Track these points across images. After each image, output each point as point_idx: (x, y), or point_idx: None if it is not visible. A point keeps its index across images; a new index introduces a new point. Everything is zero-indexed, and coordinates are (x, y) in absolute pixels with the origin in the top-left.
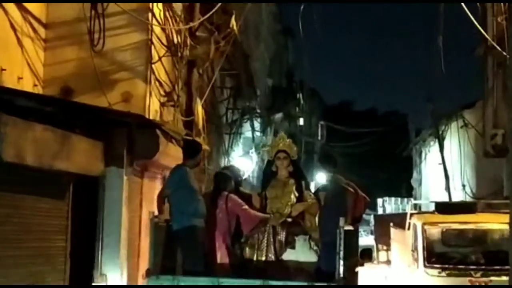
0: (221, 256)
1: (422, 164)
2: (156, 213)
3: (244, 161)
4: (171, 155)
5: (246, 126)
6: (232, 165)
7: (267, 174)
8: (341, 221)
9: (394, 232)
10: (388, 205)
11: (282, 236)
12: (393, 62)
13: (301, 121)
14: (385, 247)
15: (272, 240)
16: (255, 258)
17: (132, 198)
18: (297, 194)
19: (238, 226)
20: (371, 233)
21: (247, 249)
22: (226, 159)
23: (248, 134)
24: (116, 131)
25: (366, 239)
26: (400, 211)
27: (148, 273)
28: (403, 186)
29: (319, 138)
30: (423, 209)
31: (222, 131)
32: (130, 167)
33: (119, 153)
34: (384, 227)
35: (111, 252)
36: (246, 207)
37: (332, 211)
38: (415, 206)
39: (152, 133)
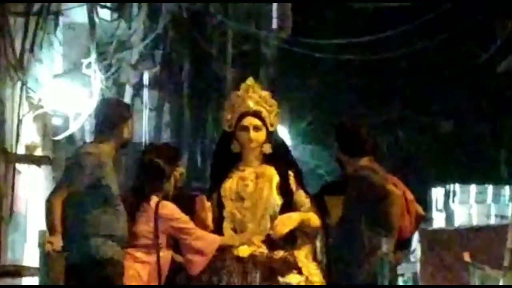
0: None
1: None
2: (47, 234)
3: (68, 88)
4: None
5: None
6: (166, 144)
7: (223, 158)
8: (385, 244)
9: (474, 275)
10: (459, 205)
11: (255, 277)
12: None
13: None
14: None
15: (235, 285)
16: None
17: None
18: (280, 201)
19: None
20: (413, 281)
21: None
22: (19, 84)
23: (81, 17)
24: None
25: None
26: (492, 219)
27: None
28: (500, 156)
29: (274, 25)
30: None
31: (6, 12)
32: None
33: None
34: (446, 262)
35: None
36: (192, 225)
37: (358, 230)
38: None
39: None
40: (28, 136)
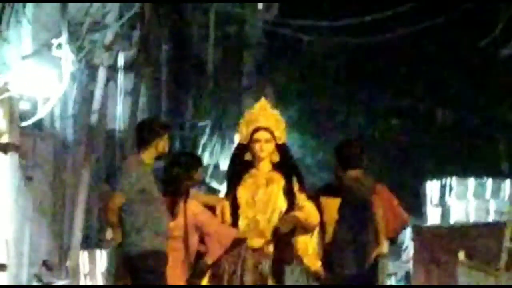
0: None
1: None
2: (110, 232)
3: (37, 70)
4: None
5: None
6: (185, 153)
7: (238, 165)
8: (384, 245)
9: (465, 273)
10: (455, 199)
11: (265, 265)
12: None
13: None
14: None
15: (248, 271)
16: None
17: None
18: (285, 201)
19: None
20: (406, 280)
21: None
22: None
23: None
24: None
25: None
26: (491, 215)
27: None
28: (501, 145)
29: (260, 6)
30: None
31: None
32: None
33: None
34: (441, 261)
35: None
36: (213, 218)
37: (353, 229)
38: None
39: None
40: None
